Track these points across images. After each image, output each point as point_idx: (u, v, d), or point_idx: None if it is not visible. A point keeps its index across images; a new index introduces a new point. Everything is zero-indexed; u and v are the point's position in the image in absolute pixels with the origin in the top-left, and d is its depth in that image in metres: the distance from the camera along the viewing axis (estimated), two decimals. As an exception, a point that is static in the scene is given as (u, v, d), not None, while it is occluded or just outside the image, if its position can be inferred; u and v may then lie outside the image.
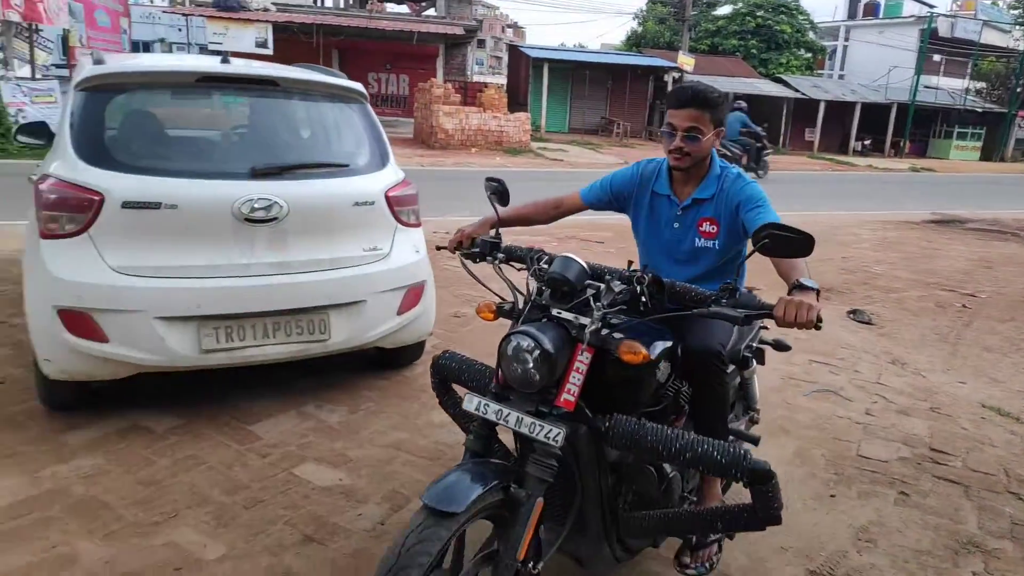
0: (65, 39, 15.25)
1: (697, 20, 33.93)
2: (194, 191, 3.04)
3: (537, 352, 1.73)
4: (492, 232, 2.27)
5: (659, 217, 2.40)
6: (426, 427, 3.42)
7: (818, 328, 1.74)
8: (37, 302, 2.99)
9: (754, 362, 2.62)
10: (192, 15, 19.83)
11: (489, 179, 2.26)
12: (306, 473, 2.96)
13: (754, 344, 2.65)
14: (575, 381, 1.78)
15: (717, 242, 2.31)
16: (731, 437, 2.47)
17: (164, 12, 20.22)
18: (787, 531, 2.66)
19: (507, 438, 2.03)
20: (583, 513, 2.03)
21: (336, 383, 3.82)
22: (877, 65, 32.78)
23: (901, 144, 30.33)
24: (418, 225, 3.72)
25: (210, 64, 3.45)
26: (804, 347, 4.81)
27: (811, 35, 34.94)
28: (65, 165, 2.96)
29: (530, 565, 1.81)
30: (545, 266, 1.94)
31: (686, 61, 26.22)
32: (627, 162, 21.25)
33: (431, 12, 28.83)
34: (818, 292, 1.81)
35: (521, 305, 1.96)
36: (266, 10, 21.28)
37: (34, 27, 14.14)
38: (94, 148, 3.00)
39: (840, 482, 3.17)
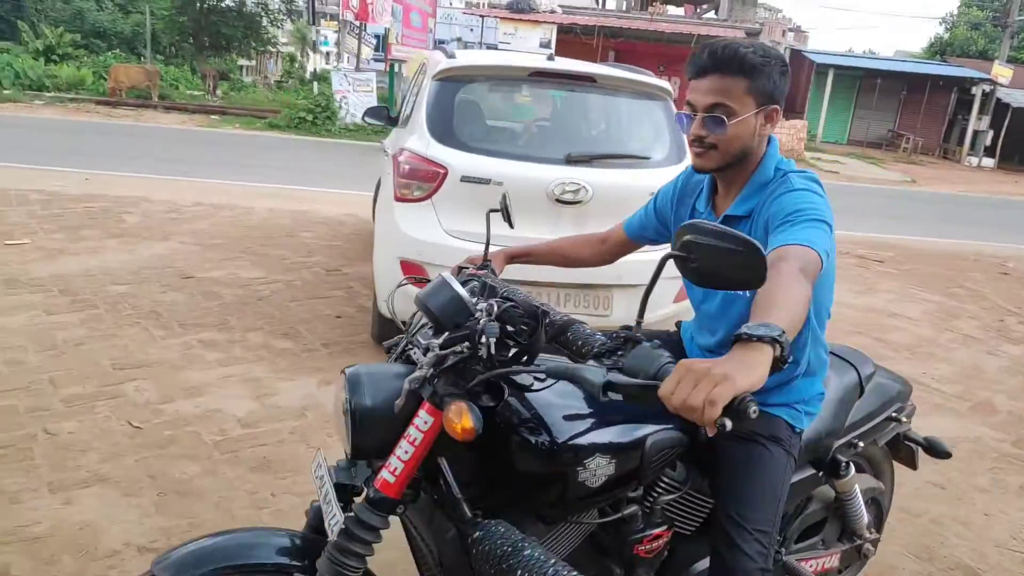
0: (384, 37, 17.56)
1: (1022, 27, 29.47)
2: (518, 172, 3.47)
3: (351, 404, 1.26)
4: (499, 268, 1.85)
5: None
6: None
7: (719, 431, 0.95)
8: (385, 253, 3.63)
9: (852, 469, 1.89)
10: (487, 16, 21.62)
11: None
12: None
13: (880, 439, 1.96)
14: (402, 453, 1.25)
15: None
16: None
17: (463, 13, 22.30)
18: None
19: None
20: None
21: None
22: None
23: None
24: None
25: (539, 61, 3.88)
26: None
27: None
28: (420, 141, 3.54)
29: None
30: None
31: (1003, 72, 23.06)
32: (914, 180, 18.72)
33: (711, 15, 28.36)
34: (782, 346, 1.01)
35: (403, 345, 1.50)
36: (553, 12, 22.50)
37: (363, 26, 16.51)
38: (443, 129, 3.56)
39: None
